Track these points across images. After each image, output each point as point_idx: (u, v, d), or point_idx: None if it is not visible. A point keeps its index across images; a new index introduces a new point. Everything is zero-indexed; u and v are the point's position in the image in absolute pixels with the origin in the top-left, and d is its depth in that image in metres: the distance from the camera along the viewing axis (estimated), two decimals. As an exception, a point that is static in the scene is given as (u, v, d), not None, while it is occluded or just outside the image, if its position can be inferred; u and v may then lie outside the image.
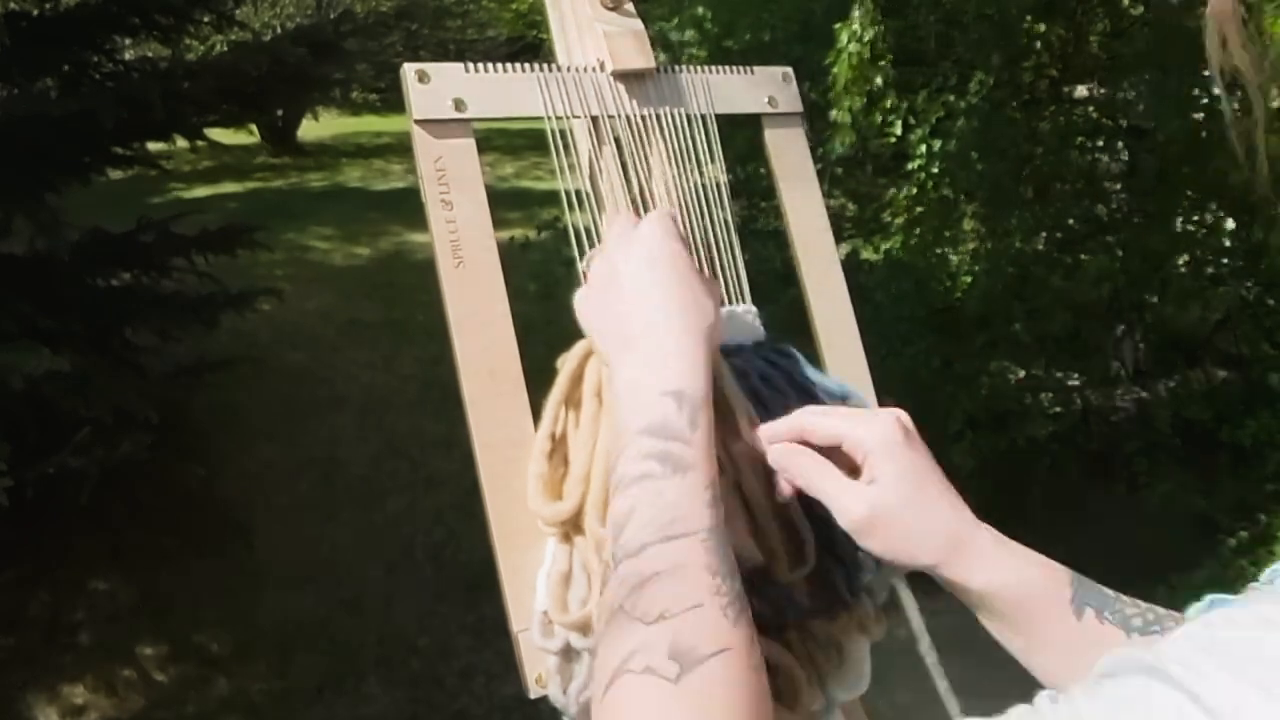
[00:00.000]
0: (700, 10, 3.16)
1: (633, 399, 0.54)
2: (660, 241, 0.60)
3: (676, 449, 0.51)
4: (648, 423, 0.52)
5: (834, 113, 2.74)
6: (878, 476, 0.57)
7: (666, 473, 0.50)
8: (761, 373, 0.67)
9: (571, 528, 0.60)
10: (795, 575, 0.61)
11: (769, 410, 0.64)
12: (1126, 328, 3.47)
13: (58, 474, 2.43)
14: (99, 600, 2.81)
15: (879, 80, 2.76)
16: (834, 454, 0.59)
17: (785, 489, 0.60)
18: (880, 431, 0.58)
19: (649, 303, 0.57)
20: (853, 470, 0.58)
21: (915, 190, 3.10)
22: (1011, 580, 0.55)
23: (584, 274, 0.63)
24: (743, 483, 0.60)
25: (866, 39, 2.64)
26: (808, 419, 0.60)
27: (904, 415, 0.60)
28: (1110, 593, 0.55)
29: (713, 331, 0.57)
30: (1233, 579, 2.31)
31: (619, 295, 0.58)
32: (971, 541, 0.56)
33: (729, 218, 0.73)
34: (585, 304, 0.60)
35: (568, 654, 0.59)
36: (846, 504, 0.57)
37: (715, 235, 0.73)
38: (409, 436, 3.66)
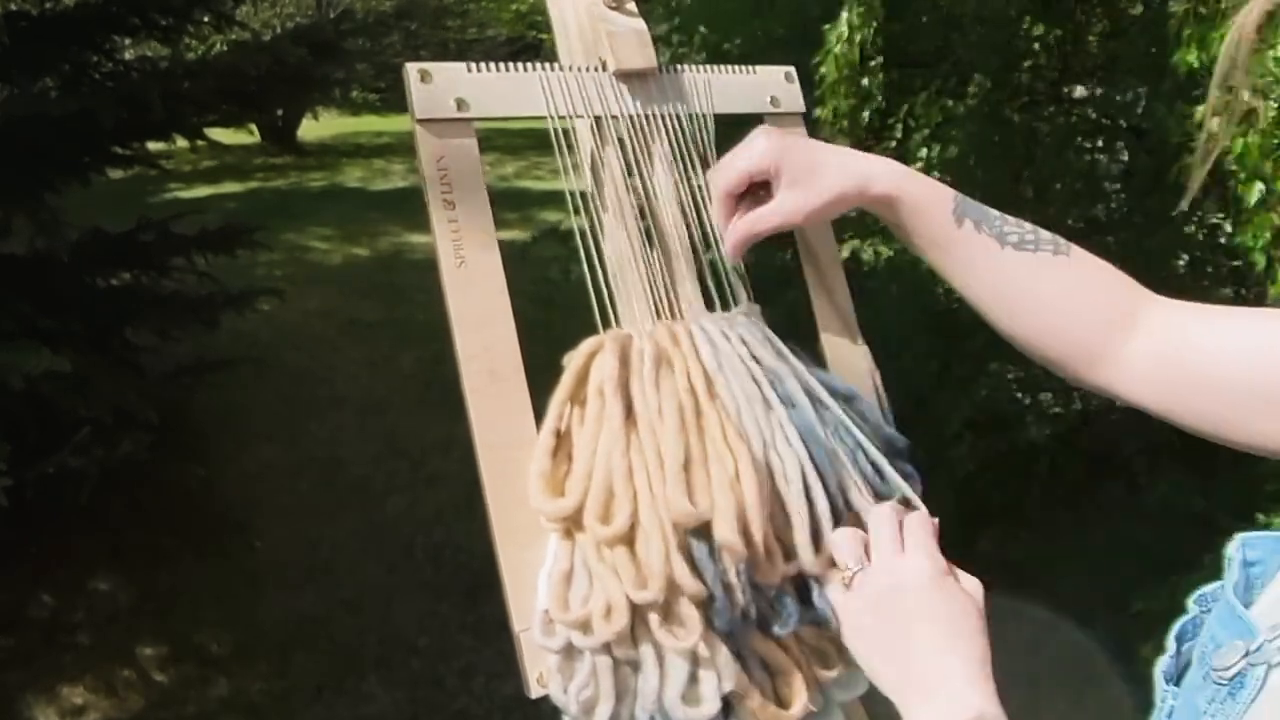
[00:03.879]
0: (703, 29, 3.17)
1: None
2: (932, 578, 0.60)
3: None
4: None
5: (818, 110, 2.74)
6: (784, 182, 0.68)
7: None
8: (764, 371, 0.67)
9: (573, 525, 0.60)
10: (780, 576, 0.61)
11: (770, 407, 0.64)
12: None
13: (58, 474, 2.43)
14: (99, 600, 2.81)
15: (866, 81, 2.76)
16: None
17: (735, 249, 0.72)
18: (763, 147, 0.69)
19: (932, 643, 0.57)
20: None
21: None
22: (904, 183, 0.68)
23: (846, 582, 0.62)
24: (741, 475, 0.60)
25: (856, 41, 2.63)
26: (719, 181, 0.71)
27: (766, 127, 0.72)
28: (994, 212, 0.68)
29: (990, 664, 0.57)
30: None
31: (899, 635, 0.58)
32: (868, 165, 0.69)
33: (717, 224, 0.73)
34: (860, 640, 0.60)
35: (569, 653, 0.59)
36: (783, 215, 0.69)
37: (717, 235, 0.73)
38: (409, 436, 3.66)
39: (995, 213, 0.68)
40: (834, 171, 0.69)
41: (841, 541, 0.62)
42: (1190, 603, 0.53)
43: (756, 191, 0.71)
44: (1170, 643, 0.53)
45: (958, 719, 0.54)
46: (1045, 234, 0.68)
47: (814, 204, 0.69)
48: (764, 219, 0.70)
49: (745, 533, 0.59)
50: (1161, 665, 0.53)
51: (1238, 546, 0.51)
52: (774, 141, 0.69)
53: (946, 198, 0.69)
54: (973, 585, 0.61)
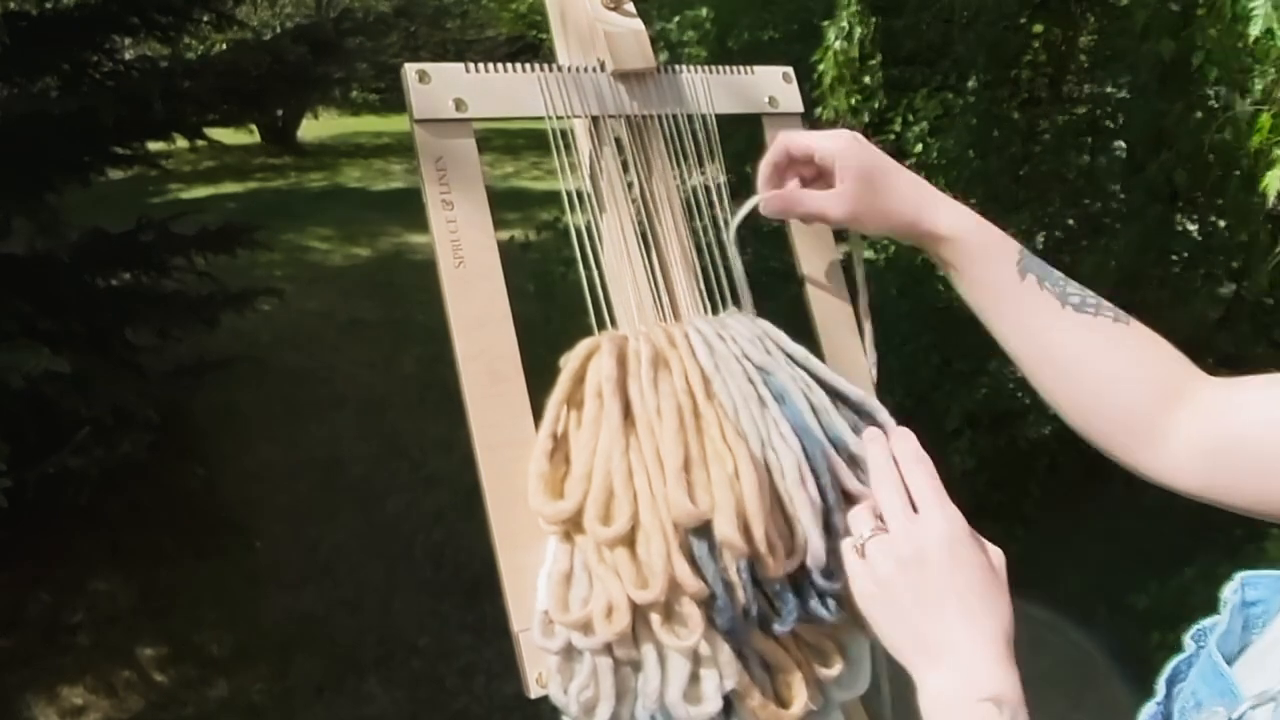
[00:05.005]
0: (702, 11, 3.16)
1: (950, 706, 0.54)
2: (953, 545, 0.57)
3: None
4: None
5: (819, 110, 2.74)
6: (846, 176, 0.68)
7: None
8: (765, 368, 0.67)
9: (572, 526, 0.60)
10: (782, 571, 0.61)
11: (765, 404, 0.64)
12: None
13: (58, 474, 2.43)
14: (98, 601, 2.81)
15: (868, 80, 2.76)
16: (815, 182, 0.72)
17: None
18: (841, 141, 0.69)
19: (951, 613, 0.56)
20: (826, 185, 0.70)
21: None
22: (971, 227, 0.67)
23: (858, 550, 0.60)
24: (740, 473, 0.60)
25: (855, 38, 2.63)
26: (782, 141, 0.71)
27: (856, 133, 0.70)
28: (1057, 272, 0.67)
29: (1011, 634, 0.56)
30: (1223, 574, 2.31)
31: (916, 604, 0.57)
32: (936, 200, 0.68)
33: (729, 217, 0.73)
34: (876, 608, 0.58)
35: (568, 653, 0.59)
36: (830, 208, 0.69)
37: (715, 235, 0.73)
38: (409, 436, 3.66)
39: (1058, 273, 0.67)
40: (899, 193, 0.68)
41: (853, 510, 0.62)
42: (1187, 639, 0.51)
43: (807, 176, 0.72)
44: (1160, 686, 0.50)
45: (970, 696, 0.52)
46: (1106, 302, 0.65)
47: (863, 211, 0.68)
48: (808, 200, 0.70)
49: (745, 530, 0.59)
50: (1146, 713, 0.51)
51: (1236, 588, 0.49)
52: (855, 140, 0.69)
53: (1012, 248, 0.67)
54: (995, 553, 0.59)
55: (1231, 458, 0.58)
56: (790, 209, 0.71)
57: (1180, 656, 0.50)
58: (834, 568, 0.62)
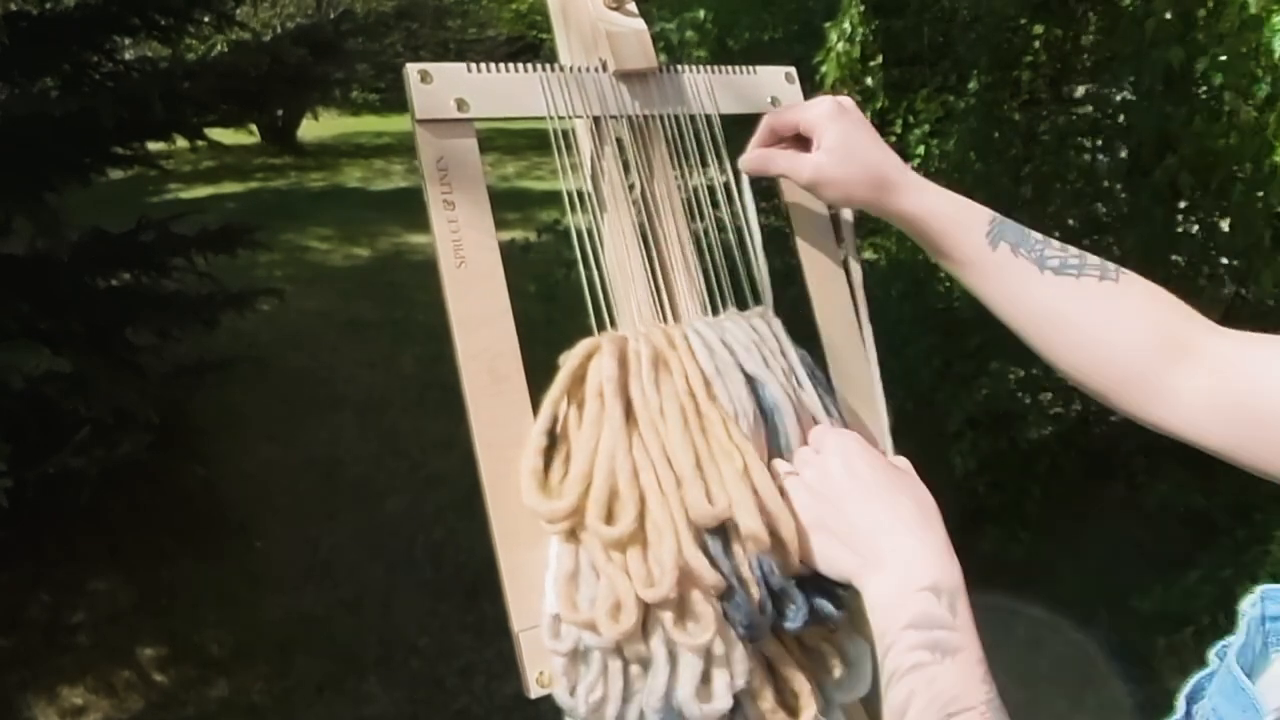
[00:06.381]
0: (701, 13, 3.16)
1: (890, 603, 0.55)
2: (854, 452, 0.61)
3: (942, 636, 0.53)
4: (911, 617, 0.53)
5: None
6: (821, 143, 0.69)
7: (938, 658, 0.52)
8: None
9: (577, 524, 0.60)
10: (795, 565, 0.61)
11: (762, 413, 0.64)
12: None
13: (58, 474, 2.43)
14: (98, 601, 2.81)
15: (869, 81, 2.76)
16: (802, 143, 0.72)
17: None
18: (820, 108, 0.70)
19: (876, 519, 0.58)
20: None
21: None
22: (937, 209, 0.67)
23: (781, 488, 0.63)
24: (751, 469, 0.60)
25: (857, 39, 2.63)
26: (771, 118, 0.73)
27: (844, 98, 0.71)
28: (1036, 235, 0.66)
29: (935, 513, 0.59)
30: (1228, 577, 2.31)
31: (838, 516, 0.59)
32: (901, 179, 0.68)
33: (731, 217, 0.73)
34: (814, 541, 0.60)
35: (576, 654, 0.59)
36: (798, 169, 0.70)
37: (717, 236, 0.73)
38: (409, 436, 3.66)
39: (1037, 236, 0.66)
40: (864, 165, 0.68)
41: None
42: (1211, 655, 0.50)
43: (802, 142, 0.72)
44: (1180, 703, 0.50)
45: (908, 589, 0.54)
46: (1092, 259, 0.64)
47: (827, 179, 0.69)
48: (777, 159, 0.72)
49: (767, 523, 0.59)
50: None
51: (1256, 601, 0.48)
52: (836, 106, 0.70)
53: (981, 219, 0.66)
54: (900, 460, 0.64)
55: (1243, 417, 0.57)
56: (763, 167, 0.73)
57: (1201, 673, 0.50)
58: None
